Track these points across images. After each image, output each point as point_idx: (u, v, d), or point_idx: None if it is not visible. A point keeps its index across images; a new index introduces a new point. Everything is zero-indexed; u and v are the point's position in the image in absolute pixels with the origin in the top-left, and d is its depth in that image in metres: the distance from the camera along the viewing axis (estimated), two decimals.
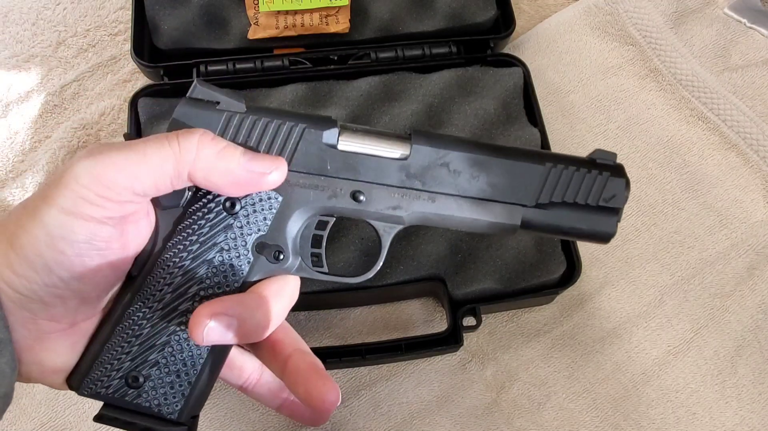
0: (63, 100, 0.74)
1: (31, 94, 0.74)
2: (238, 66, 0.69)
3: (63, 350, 0.40)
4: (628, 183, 0.45)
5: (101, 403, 0.42)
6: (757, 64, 0.73)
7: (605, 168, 0.45)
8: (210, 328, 0.38)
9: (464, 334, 0.59)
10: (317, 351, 0.57)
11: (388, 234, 0.44)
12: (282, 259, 0.42)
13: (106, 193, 0.37)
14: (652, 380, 0.60)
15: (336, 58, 0.70)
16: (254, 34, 0.70)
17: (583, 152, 0.70)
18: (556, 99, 0.73)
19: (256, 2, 0.70)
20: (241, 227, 0.41)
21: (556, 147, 0.69)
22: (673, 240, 0.66)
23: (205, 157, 0.38)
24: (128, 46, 0.72)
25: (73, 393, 0.59)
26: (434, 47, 0.71)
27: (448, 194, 0.43)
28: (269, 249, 0.42)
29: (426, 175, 0.43)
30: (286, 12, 0.70)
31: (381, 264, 0.45)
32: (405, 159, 0.43)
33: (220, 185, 0.39)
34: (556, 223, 0.44)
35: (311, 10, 0.70)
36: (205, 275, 0.41)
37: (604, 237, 0.45)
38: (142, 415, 0.41)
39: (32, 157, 0.70)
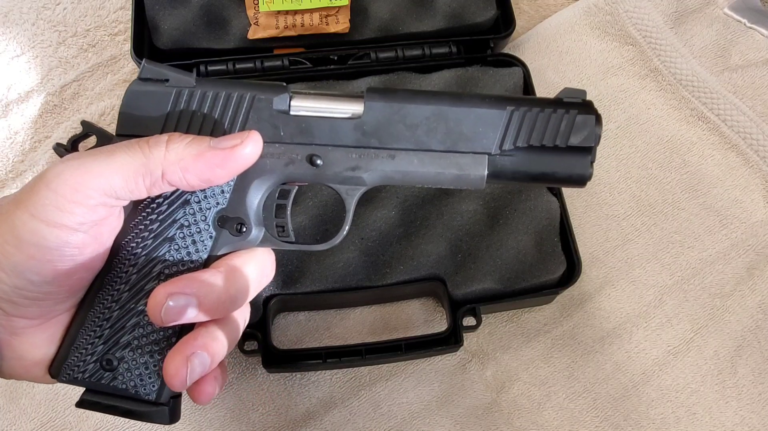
0: (63, 100, 0.74)
1: (31, 94, 0.74)
2: (238, 66, 0.69)
3: (40, 343, 0.40)
4: (599, 118, 0.43)
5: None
6: (757, 64, 0.73)
7: (573, 106, 0.43)
8: (167, 308, 0.37)
9: (464, 334, 0.59)
10: (317, 351, 0.57)
11: (351, 197, 0.43)
12: (245, 231, 0.41)
13: (76, 196, 0.36)
14: (652, 380, 0.60)
15: (336, 58, 0.70)
16: (254, 34, 0.70)
17: None
18: None
19: (256, 2, 0.70)
20: (199, 202, 0.41)
21: None
22: (673, 240, 0.66)
23: (174, 149, 0.38)
24: (128, 46, 0.72)
25: (72, 393, 0.59)
26: (434, 47, 0.71)
27: (407, 149, 0.42)
28: (231, 222, 0.41)
29: (382, 132, 0.42)
30: (286, 12, 0.70)
31: (347, 228, 0.44)
32: (359, 117, 0.42)
33: (198, 173, 0.38)
34: (524, 170, 0.42)
35: (311, 10, 0.70)
36: (167, 253, 0.41)
37: (578, 181, 0.43)
38: (122, 398, 0.41)
39: (32, 157, 0.70)
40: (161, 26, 0.70)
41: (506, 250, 0.61)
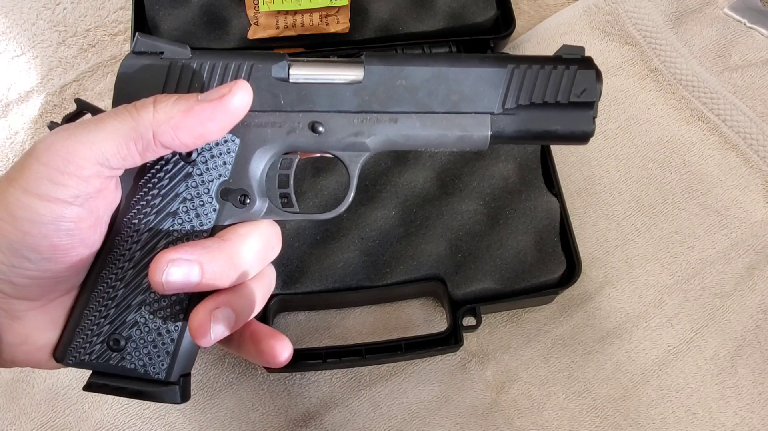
0: (63, 100, 0.74)
1: (31, 94, 0.74)
2: None
3: (43, 326, 0.39)
4: (599, 74, 0.43)
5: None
6: (757, 64, 0.73)
7: (572, 62, 0.43)
8: (169, 274, 0.36)
9: (464, 334, 0.59)
10: (317, 351, 0.57)
11: (355, 164, 0.42)
12: (249, 203, 0.41)
13: (68, 167, 0.35)
14: (652, 380, 0.60)
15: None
16: (254, 34, 0.70)
17: (583, 152, 0.70)
18: None
19: (256, 2, 0.70)
20: (201, 174, 0.40)
21: (556, 146, 0.69)
22: (673, 240, 0.66)
23: (162, 108, 0.37)
24: (128, 46, 0.72)
25: (72, 392, 0.59)
26: (434, 47, 0.71)
27: (409, 112, 0.41)
28: (234, 194, 0.40)
29: (383, 95, 0.41)
30: (286, 12, 0.70)
31: (352, 195, 0.43)
32: (359, 82, 0.41)
33: (190, 129, 0.37)
34: (527, 128, 0.42)
35: (311, 10, 0.70)
36: (171, 228, 0.40)
37: (581, 137, 0.43)
38: (131, 379, 0.40)
39: None
40: (161, 26, 0.70)
41: (506, 250, 0.61)
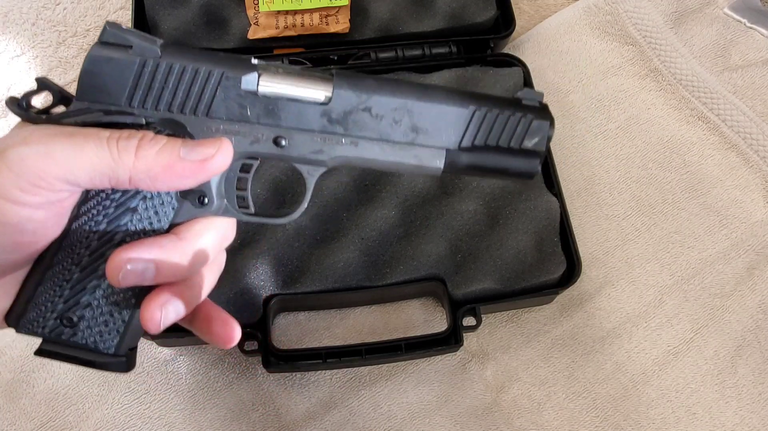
0: None
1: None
2: None
3: None
4: (552, 123, 0.45)
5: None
6: (757, 64, 0.73)
7: (530, 110, 0.44)
8: (126, 272, 0.37)
9: (464, 334, 0.59)
10: (317, 351, 0.57)
11: (312, 177, 0.44)
12: (207, 203, 0.42)
13: (39, 182, 0.36)
14: (652, 380, 0.60)
15: (336, 58, 0.70)
16: (254, 34, 0.70)
17: (583, 151, 0.70)
18: (556, 99, 0.73)
19: (255, 2, 0.70)
20: None
21: (557, 146, 0.69)
22: (673, 240, 0.66)
23: (143, 158, 0.37)
24: None
25: (72, 393, 0.59)
26: (434, 47, 0.71)
27: (370, 138, 0.43)
28: (193, 195, 0.41)
29: (348, 120, 0.42)
30: (286, 12, 0.70)
31: (306, 204, 0.44)
32: (327, 104, 0.42)
33: (166, 183, 0.38)
34: (479, 164, 0.44)
35: (311, 10, 0.70)
36: (129, 222, 0.40)
37: (527, 177, 0.45)
38: (82, 349, 0.41)
39: None
40: (161, 26, 0.70)
41: (506, 250, 0.61)
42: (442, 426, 0.58)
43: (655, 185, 0.68)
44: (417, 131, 0.43)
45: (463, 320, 0.59)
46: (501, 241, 0.61)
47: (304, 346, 0.61)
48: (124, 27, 0.41)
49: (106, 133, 0.38)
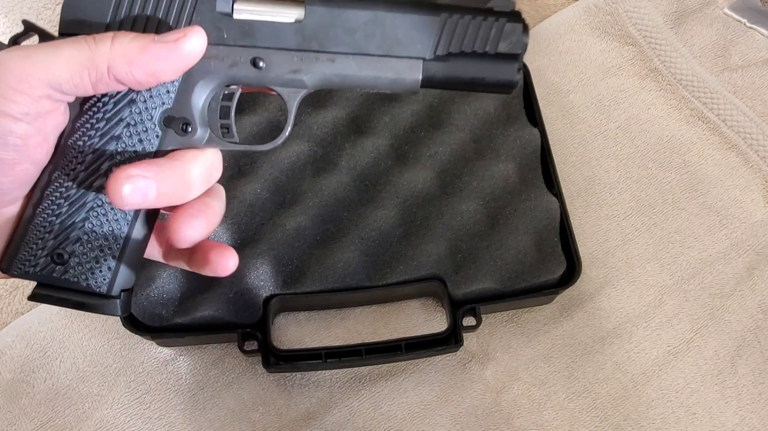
0: None
1: None
2: None
3: None
4: (526, 27, 0.44)
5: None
6: (757, 63, 0.73)
7: (502, 15, 0.44)
8: (129, 189, 0.38)
9: (464, 334, 0.59)
10: (317, 351, 0.57)
11: (293, 100, 0.44)
12: (190, 131, 0.42)
13: (20, 85, 0.36)
14: (652, 380, 0.60)
15: None
16: None
17: (583, 152, 0.70)
18: (556, 99, 0.73)
19: None
20: (145, 101, 0.42)
21: (557, 146, 0.69)
22: (673, 240, 0.66)
23: (119, 43, 0.38)
24: None
25: (72, 393, 0.59)
26: None
27: (346, 53, 0.43)
28: (176, 122, 0.42)
29: (322, 35, 0.43)
30: None
31: (289, 129, 0.45)
32: (300, 22, 0.43)
33: (143, 66, 0.39)
34: (456, 75, 0.44)
35: None
36: (115, 151, 0.41)
37: (507, 86, 0.45)
38: (74, 291, 0.42)
39: None
40: None
41: (506, 250, 0.61)
42: (442, 426, 0.58)
43: (655, 185, 0.68)
44: (391, 42, 0.43)
45: (463, 320, 0.59)
46: (501, 241, 0.61)
47: (304, 346, 0.61)
48: None
49: (80, 36, 0.39)
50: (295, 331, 0.62)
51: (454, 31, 0.44)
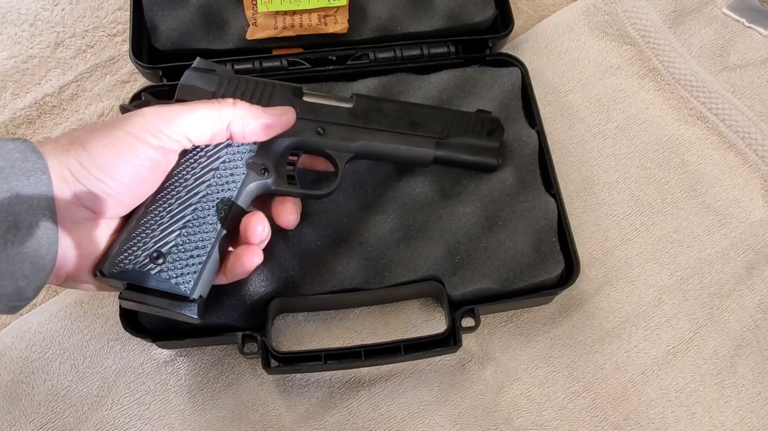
0: (61, 101, 0.74)
1: (29, 95, 0.74)
2: (236, 67, 0.69)
3: (91, 238, 0.48)
4: (502, 127, 0.63)
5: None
6: (756, 63, 0.73)
7: (484, 112, 0.64)
8: (262, 233, 0.53)
9: (463, 335, 0.59)
10: (317, 352, 0.57)
11: (342, 160, 0.58)
12: (267, 174, 0.55)
13: (166, 128, 0.47)
14: (652, 380, 0.60)
15: (335, 58, 0.70)
16: (253, 34, 0.70)
17: (582, 151, 0.70)
18: (554, 99, 0.73)
19: (254, 3, 0.70)
20: (238, 146, 0.53)
21: (555, 146, 0.69)
22: (672, 240, 0.66)
23: (240, 106, 0.52)
24: (127, 46, 0.72)
25: (72, 393, 0.59)
26: (433, 47, 0.71)
27: (382, 129, 0.59)
28: (258, 166, 0.54)
29: (366, 116, 0.59)
30: (285, 12, 0.70)
31: (339, 181, 0.58)
32: (351, 106, 0.59)
33: (254, 129, 0.52)
34: (457, 156, 0.61)
35: (310, 11, 0.70)
36: (211, 179, 0.52)
37: (490, 169, 0.63)
38: (159, 297, 0.49)
39: None
40: (159, 27, 0.70)
41: (504, 251, 0.61)
42: (442, 426, 0.59)
43: (654, 185, 0.68)
44: (413, 124, 0.60)
45: (462, 321, 0.59)
46: (499, 242, 0.61)
47: (303, 348, 0.61)
48: (208, 61, 0.58)
49: (209, 99, 0.53)
50: (295, 332, 0.62)
51: (453, 122, 0.62)
